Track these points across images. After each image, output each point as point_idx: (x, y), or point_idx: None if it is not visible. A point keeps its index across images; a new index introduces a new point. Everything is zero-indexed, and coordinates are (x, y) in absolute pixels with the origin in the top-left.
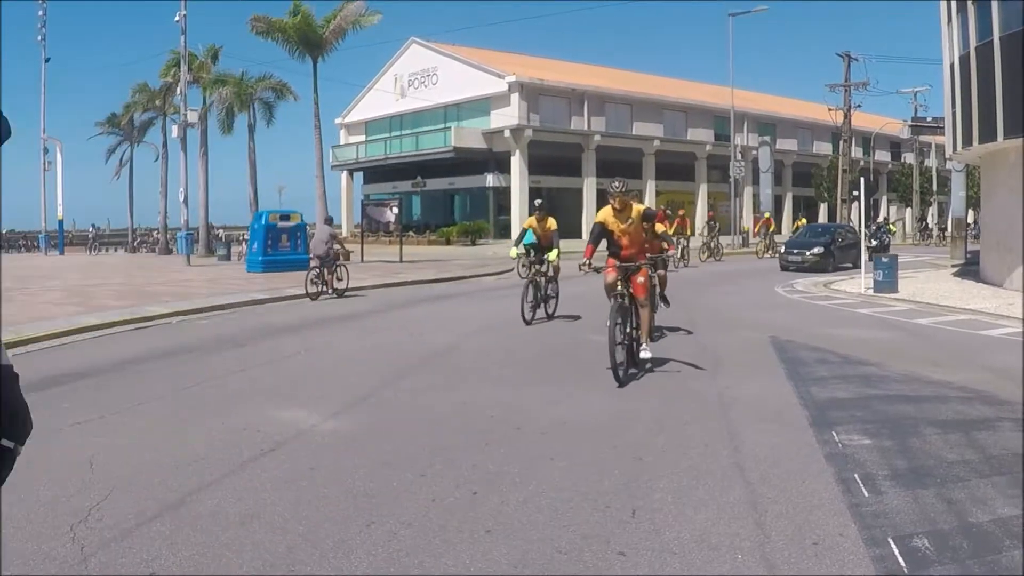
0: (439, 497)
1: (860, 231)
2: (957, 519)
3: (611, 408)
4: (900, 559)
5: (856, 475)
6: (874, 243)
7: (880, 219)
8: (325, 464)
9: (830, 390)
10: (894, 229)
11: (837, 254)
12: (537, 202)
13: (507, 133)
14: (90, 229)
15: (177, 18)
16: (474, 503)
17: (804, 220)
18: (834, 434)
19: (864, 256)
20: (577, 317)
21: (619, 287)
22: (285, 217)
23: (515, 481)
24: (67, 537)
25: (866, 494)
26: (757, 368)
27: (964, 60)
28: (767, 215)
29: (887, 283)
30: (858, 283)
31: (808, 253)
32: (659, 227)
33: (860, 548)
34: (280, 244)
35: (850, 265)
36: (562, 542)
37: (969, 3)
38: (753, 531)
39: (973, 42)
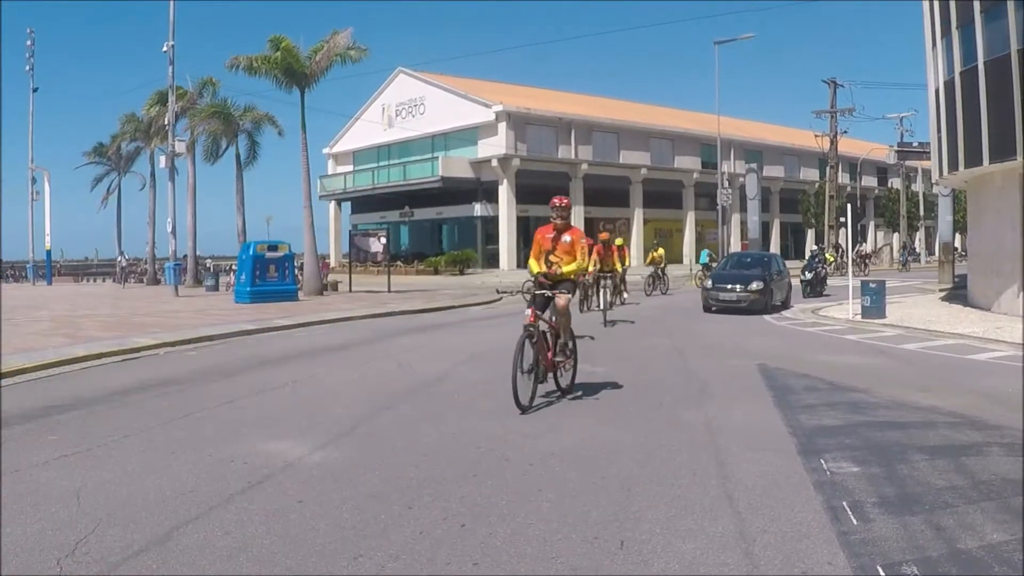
0: (427, 530)
1: (848, 257)
2: (946, 546)
3: (598, 438)
4: None
5: (844, 503)
6: (809, 275)
7: (815, 247)
8: (313, 497)
9: (818, 417)
10: (831, 259)
11: (774, 290)
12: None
13: (495, 162)
14: (119, 258)
15: (165, 48)
16: (462, 535)
17: (662, 251)
18: (822, 462)
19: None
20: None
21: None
22: (273, 248)
23: (503, 513)
24: (54, 571)
25: (855, 522)
26: (745, 395)
27: (949, 85)
28: (619, 241)
29: (875, 309)
30: (846, 309)
31: (745, 289)
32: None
33: None
34: (268, 275)
35: (779, 304)
36: (551, 574)
37: (953, 28)
38: (742, 561)
39: (958, 67)
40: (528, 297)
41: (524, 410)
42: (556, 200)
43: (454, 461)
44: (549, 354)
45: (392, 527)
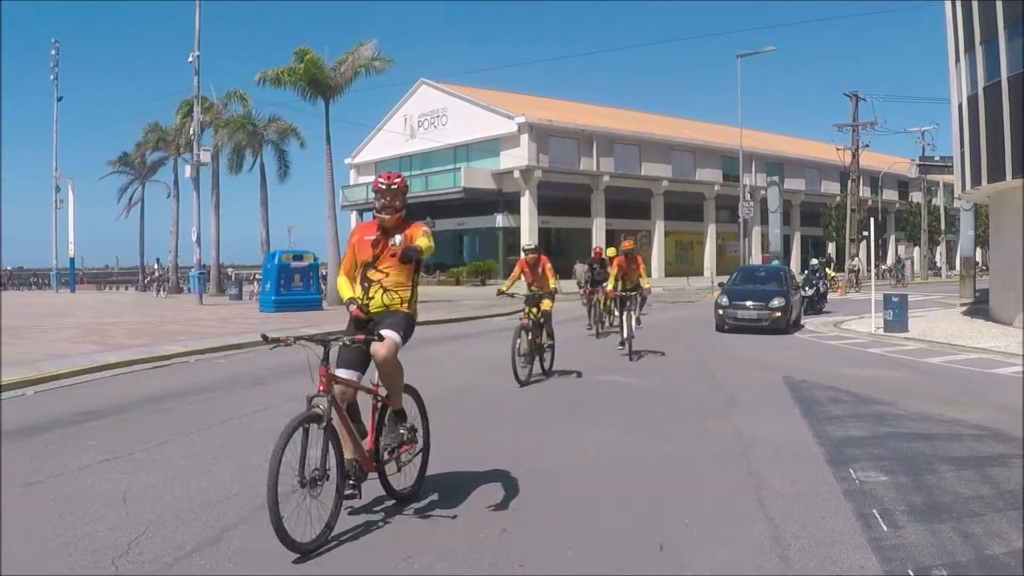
0: (470, 533)
1: (872, 272)
2: (974, 552)
3: (631, 447)
4: None
5: (875, 510)
6: (809, 291)
7: (815, 261)
8: (357, 501)
9: (845, 428)
10: (832, 273)
11: (792, 307)
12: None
13: (517, 174)
14: (155, 265)
15: (190, 59)
16: (505, 539)
17: (645, 270)
18: (851, 471)
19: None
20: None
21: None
22: (298, 257)
23: (543, 518)
24: (110, 569)
25: (885, 528)
26: (772, 407)
27: (972, 100)
28: (613, 251)
29: (897, 322)
30: (868, 322)
31: (765, 307)
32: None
33: None
34: (293, 284)
35: (792, 322)
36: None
37: (977, 43)
38: (778, 565)
39: (981, 82)
40: (316, 348)
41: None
42: (382, 178)
43: (489, 468)
44: (368, 442)
45: (437, 530)
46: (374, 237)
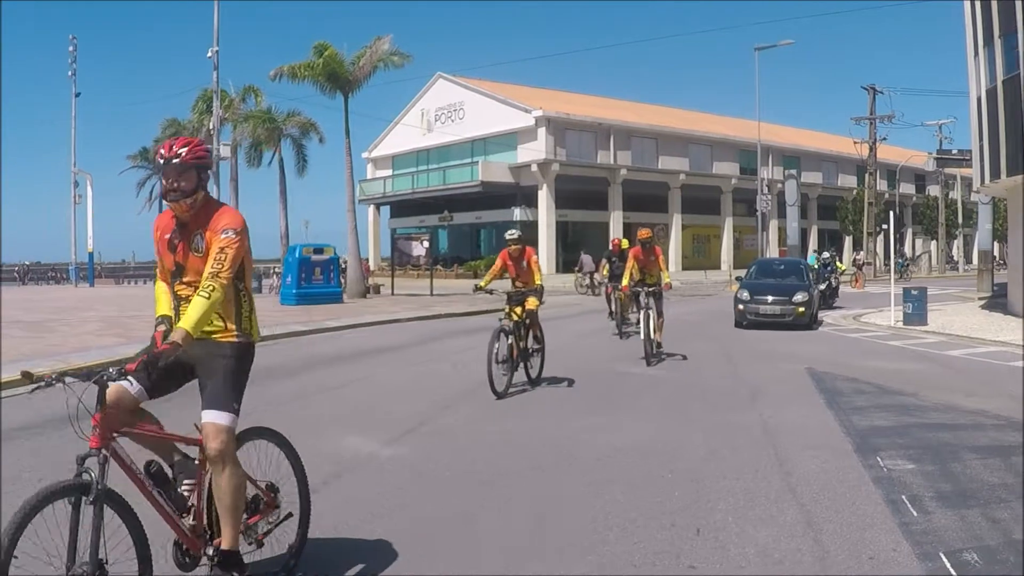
0: (508, 517)
1: (891, 266)
2: (1003, 535)
3: (660, 436)
4: (952, 571)
5: (904, 496)
6: (822, 286)
7: (825, 254)
8: (391, 489)
9: (870, 418)
10: (843, 267)
11: (815, 301)
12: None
13: (534, 167)
14: None
15: (209, 54)
16: (543, 523)
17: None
18: (878, 459)
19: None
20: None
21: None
22: (319, 251)
23: (581, 503)
24: (160, 555)
25: (915, 514)
26: (796, 398)
27: (991, 93)
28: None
29: (917, 316)
30: (887, 316)
31: (788, 302)
32: None
33: (914, 562)
34: (313, 277)
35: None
36: (635, 557)
37: (996, 37)
38: (812, 547)
39: (1000, 75)
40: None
41: None
42: (163, 148)
43: (523, 457)
44: (196, 511)
45: (476, 514)
46: (172, 233)
